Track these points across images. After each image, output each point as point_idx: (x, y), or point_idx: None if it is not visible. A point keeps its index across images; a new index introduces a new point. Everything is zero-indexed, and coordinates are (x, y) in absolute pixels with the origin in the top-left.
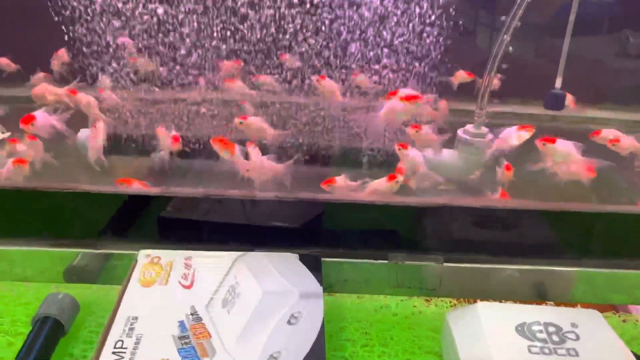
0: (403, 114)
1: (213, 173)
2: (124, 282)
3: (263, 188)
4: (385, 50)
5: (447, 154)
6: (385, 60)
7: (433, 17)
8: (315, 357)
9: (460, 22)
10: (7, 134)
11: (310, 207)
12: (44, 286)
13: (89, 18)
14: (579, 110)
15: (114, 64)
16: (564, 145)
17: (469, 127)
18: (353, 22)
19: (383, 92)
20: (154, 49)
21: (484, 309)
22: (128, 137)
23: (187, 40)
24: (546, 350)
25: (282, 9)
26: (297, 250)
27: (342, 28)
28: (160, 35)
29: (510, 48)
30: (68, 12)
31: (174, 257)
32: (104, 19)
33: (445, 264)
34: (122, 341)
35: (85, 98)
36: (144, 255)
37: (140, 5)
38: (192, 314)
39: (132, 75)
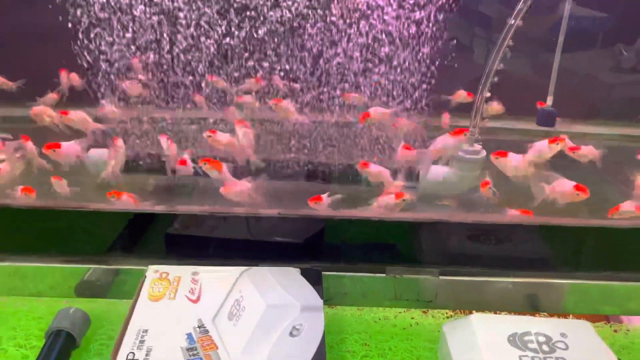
0: (453, 148)
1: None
2: (134, 297)
3: (265, 205)
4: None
5: (442, 171)
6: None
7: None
8: None
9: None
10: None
11: (311, 223)
12: (55, 301)
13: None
14: (570, 126)
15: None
16: (515, 159)
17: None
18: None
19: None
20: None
21: (478, 320)
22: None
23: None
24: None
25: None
26: (299, 264)
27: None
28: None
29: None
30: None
31: (181, 273)
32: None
33: (441, 277)
34: (134, 353)
35: (76, 115)
36: (153, 271)
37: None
38: (199, 327)
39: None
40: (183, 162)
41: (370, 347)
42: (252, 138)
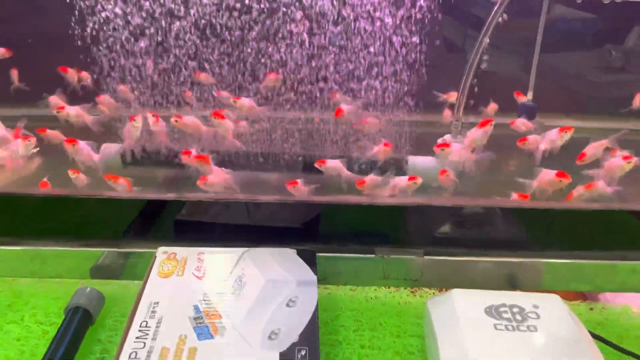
0: (484, 139)
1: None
2: (145, 275)
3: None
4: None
5: (428, 161)
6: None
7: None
8: (309, 334)
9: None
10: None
11: (307, 208)
12: (72, 282)
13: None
14: (553, 120)
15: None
16: (457, 149)
17: (447, 137)
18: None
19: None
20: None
21: (458, 295)
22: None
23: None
24: (510, 327)
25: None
26: (296, 246)
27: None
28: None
29: (484, 64)
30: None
31: (188, 253)
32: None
33: (426, 257)
34: (146, 322)
35: (72, 110)
36: (162, 252)
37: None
38: (204, 300)
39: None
40: (187, 153)
41: (362, 322)
42: (230, 127)
